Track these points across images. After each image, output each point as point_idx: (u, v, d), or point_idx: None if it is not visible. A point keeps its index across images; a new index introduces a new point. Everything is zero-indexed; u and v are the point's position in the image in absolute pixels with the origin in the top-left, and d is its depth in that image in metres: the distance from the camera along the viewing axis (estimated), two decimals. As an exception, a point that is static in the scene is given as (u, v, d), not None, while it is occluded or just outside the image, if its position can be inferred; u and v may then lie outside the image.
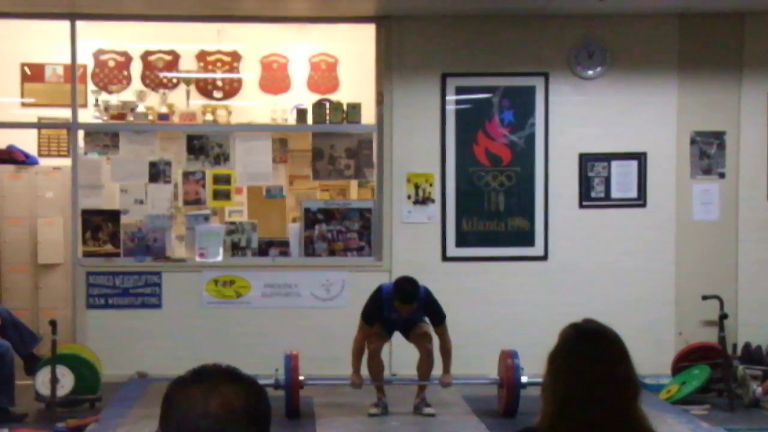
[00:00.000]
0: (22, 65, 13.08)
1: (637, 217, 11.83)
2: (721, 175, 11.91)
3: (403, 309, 9.44)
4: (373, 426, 9.29)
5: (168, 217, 11.96)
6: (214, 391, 2.22)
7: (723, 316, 10.63)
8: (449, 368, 9.64)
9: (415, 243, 11.64)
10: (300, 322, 11.51)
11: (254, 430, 2.22)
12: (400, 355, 10.62)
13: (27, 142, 13.02)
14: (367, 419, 9.46)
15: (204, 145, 11.99)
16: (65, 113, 12.08)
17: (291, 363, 9.46)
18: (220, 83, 13.18)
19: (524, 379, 9.36)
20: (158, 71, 12.99)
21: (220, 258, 11.76)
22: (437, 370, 9.74)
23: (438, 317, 9.64)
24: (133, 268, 11.66)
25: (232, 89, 13.23)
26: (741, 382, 10.48)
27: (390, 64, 11.75)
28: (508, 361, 9.49)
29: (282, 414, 9.20)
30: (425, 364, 9.65)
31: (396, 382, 10.28)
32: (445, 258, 11.76)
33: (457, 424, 9.34)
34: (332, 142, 12.00)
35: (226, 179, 12.07)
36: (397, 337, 9.91)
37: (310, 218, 11.85)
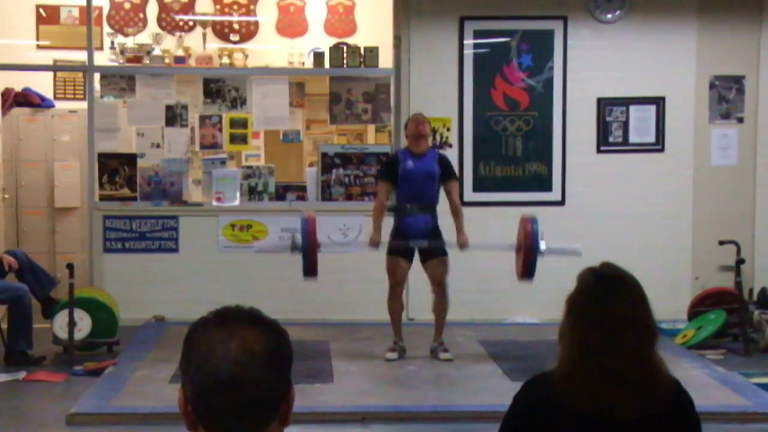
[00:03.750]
0: (38, 7, 13.03)
1: (654, 162, 11.79)
2: (740, 120, 11.85)
3: (416, 129, 9.57)
4: (390, 370, 9.31)
5: (185, 161, 11.95)
6: (235, 335, 2.21)
7: (740, 261, 10.64)
8: (462, 227, 9.64)
9: (432, 187, 11.60)
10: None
11: (274, 374, 2.21)
12: (416, 299, 10.62)
13: (43, 85, 13.01)
14: (384, 363, 9.48)
15: (221, 88, 11.96)
16: (81, 56, 12.05)
17: (308, 226, 9.41)
18: (236, 26, 13.12)
19: (543, 245, 9.33)
20: (174, 14, 12.94)
21: (236, 202, 11.75)
22: (453, 314, 9.74)
23: (451, 172, 9.79)
24: (150, 212, 11.67)
25: (248, 32, 13.17)
26: (757, 327, 10.50)
27: (408, 7, 11.68)
28: (528, 227, 9.42)
29: (299, 277, 9.40)
30: (440, 305, 9.62)
31: (413, 325, 10.28)
32: (462, 203, 11.72)
33: (474, 368, 9.36)
34: (349, 86, 11.96)
35: (243, 123, 12.05)
36: (414, 280, 9.90)
37: (327, 162, 11.83)
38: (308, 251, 9.32)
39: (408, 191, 9.61)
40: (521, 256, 9.47)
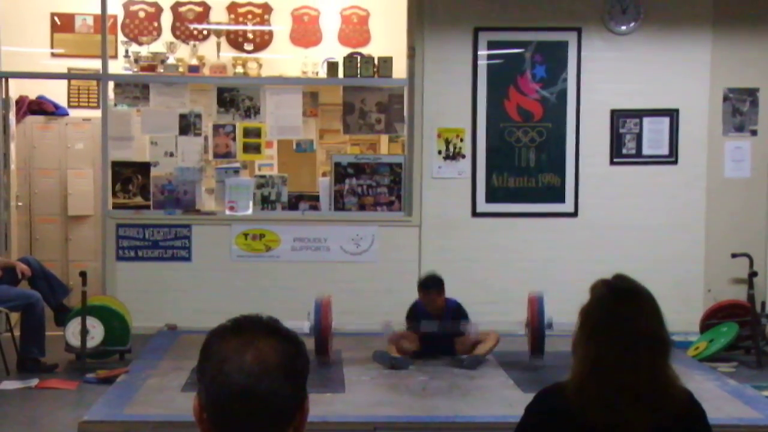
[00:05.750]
0: (52, 15, 13.08)
1: (668, 174, 11.77)
2: (754, 132, 11.83)
3: (427, 301, 9.58)
4: (401, 380, 9.27)
5: (198, 169, 11.97)
6: (250, 345, 2.20)
7: (752, 274, 10.61)
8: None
9: (445, 198, 11.61)
10: (329, 276, 11.51)
11: (289, 386, 2.21)
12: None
13: (57, 93, 13.06)
14: (396, 373, 9.43)
15: (234, 97, 11.98)
16: (95, 64, 12.09)
17: (321, 310, 9.46)
18: (250, 35, 13.15)
19: (550, 325, 9.43)
20: (189, 23, 12.97)
21: (249, 211, 11.76)
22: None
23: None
24: (163, 220, 11.68)
25: (262, 42, 13.20)
26: (769, 340, 10.48)
27: (422, 17, 11.68)
28: (534, 308, 9.53)
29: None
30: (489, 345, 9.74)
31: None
32: (475, 214, 11.74)
33: (485, 379, 9.33)
34: (363, 96, 11.96)
35: (257, 132, 12.06)
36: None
37: (341, 172, 11.84)
38: (320, 335, 9.38)
39: (428, 343, 9.74)
40: (530, 334, 9.56)
